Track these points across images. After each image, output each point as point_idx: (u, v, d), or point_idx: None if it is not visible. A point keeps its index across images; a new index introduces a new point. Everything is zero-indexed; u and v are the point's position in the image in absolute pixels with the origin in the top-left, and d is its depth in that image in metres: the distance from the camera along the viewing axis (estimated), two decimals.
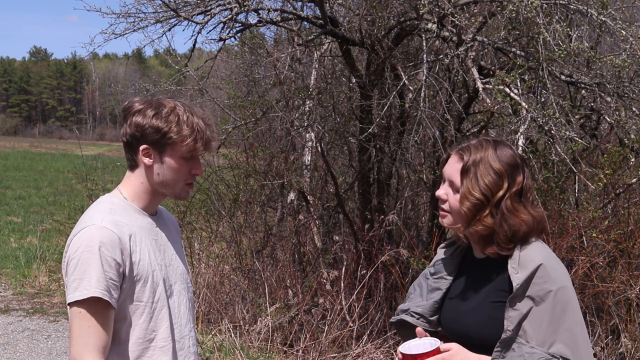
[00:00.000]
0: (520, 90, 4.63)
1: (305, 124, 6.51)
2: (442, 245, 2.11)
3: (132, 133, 1.87)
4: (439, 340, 1.85)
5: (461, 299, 1.95)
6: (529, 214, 1.84)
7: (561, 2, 4.55)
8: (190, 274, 2.19)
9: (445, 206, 1.91)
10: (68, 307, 1.81)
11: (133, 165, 1.93)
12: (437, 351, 1.81)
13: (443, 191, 1.91)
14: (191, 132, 1.86)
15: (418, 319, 2.00)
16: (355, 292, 5.37)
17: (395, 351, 5.08)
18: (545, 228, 1.95)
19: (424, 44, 4.96)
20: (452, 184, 1.89)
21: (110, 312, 1.80)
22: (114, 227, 1.82)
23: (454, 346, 1.84)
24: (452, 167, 1.89)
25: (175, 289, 1.98)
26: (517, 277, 1.79)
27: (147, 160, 1.89)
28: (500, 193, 1.83)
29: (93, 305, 1.76)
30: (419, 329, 1.90)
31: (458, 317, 1.93)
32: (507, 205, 1.83)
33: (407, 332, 2.04)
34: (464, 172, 1.85)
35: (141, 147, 1.87)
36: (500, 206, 1.83)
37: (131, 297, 1.85)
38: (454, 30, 4.80)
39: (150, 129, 1.85)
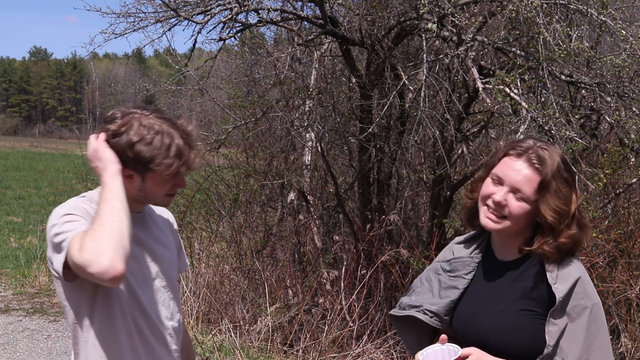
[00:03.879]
0: (520, 90, 4.63)
1: (305, 124, 6.51)
2: (457, 240, 2.04)
3: (114, 152, 1.82)
4: (459, 347, 1.78)
5: (482, 301, 1.88)
6: (587, 220, 1.86)
7: (561, 2, 4.55)
8: (181, 270, 2.20)
9: (505, 212, 1.82)
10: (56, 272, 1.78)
11: None
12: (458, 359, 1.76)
13: (502, 196, 1.82)
14: (173, 161, 1.82)
15: (432, 317, 1.93)
16: (355, 292, 5.37)
17: (396, 351, 5.08)
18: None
19: (424, 43, 4.96)
20: (516, 191, 1.81)
21: None
22: (88, 207, 1.84)
23: (474, 351, 1.80)
24: (521, 176, 1.81)
25: (155, 285, 1.97)
26: (559, 290, 1.75)
27: (127, 180, 1.85)
28: (574, 206, 1.81)
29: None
30: (443, 336, 1.82)
31: (477, 319, 1.87)
32: (578, 216, 1.82)
33: (408, 327, 1.97)
34: (544, 186, 1.79)
35: (123, 169, 1.83)
36: (575, 217, 1.81)
37: (99, 288, 1.85)
38: (454, 30, 4.80)
39: (131, 159, 1.81)
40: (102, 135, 1.83)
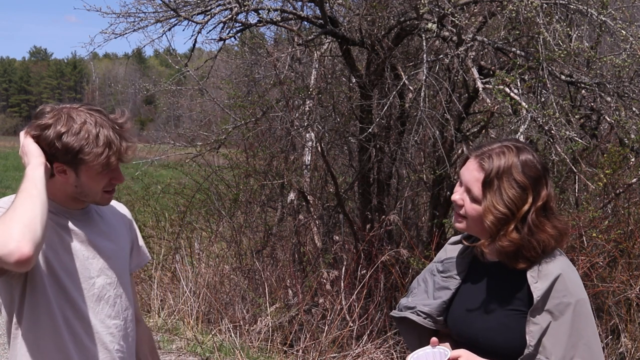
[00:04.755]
0: (520, 90, 4.63)
1: (305, 124, 6.51)
2: (451, 241, 2.05)
3: (42, 146, 1.81)
4: (449, 350, 1.80)
5: (472, 301, 1.90)
6: (554, 227, 1.78)
7: (561, 2, 4.55)
8: (125, 269, 2.08)
9: (462, 212, 1.85)
10: None
11: (51, 173, 1.86)
12: None
13: (459, 196, 1.85)
14: (102, 150, 1.80)
15: (425, 318, 1.95)
16: (355, 292, 5.37)
17: (396, 351, 5.08)
18: (568, 237, 1.91)
19: (424, 43, 4.96)
20: (469, 191, 1.82)
21: None
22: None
23: (463, 352, 1.81)
24: (471, 175, 1.81)
25: (98, 282, 1.94)
26: (537, 288, 1.74)
27: (61, 176, 1.84)
28: (526, 207, 1.76)
29: None
30: (434, 339, 1.84)
31: (468, 319, 1.89)
32: (533, 219, 1.76)
33: (408, 327, 2.01)
34: (486, 184, 1.77)
35: (55, 164, 1.82)
36: (527, 221, 1.76)
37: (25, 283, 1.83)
38: (454, 30, 4.80)
39: (60, 150, 1.79)
40: (29, 131, 1.83)
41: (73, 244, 1.91)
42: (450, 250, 2.01)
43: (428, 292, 1.99)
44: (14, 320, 1.87)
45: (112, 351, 1.97)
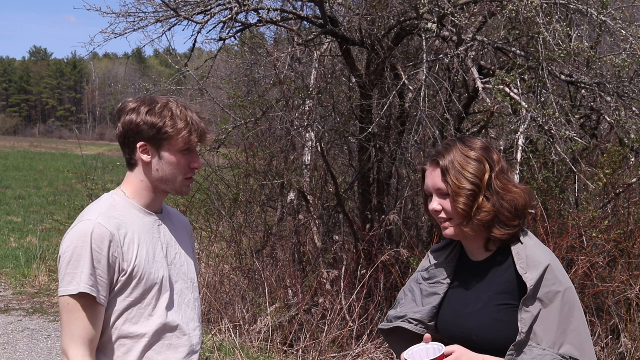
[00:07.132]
0: (520, 90, 4.63)
1: (305, 124, 6.51)
2: (433, 249, 2.11)
3: (127, 131, 1.90)
4: (443, 345, 1.83)
5: (462, 302, 1.93)
6: (516, 187, 1.88)
7: (561, 2, 4.56)
8: (197, 274, 2.19)
9: (443, 215, 1.90)
10: (59, 298, 1.84)
11: (132, 164, 1.95)
12: (442, 357, 1.79)
13: (436, 203, 1.90)
14: (186, 125, 1.90)
15: (417, 325, 1.99)
16: (355, 292, 5.37)
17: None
18: (532, 201, 1.98)
19: (424, 43, 4.96)
20: (440, 193, 1.90)
21: (98, 307, 1.82)
22: (107, 223, 1.84)
23: (457, 348, 1.83)
24: (433, 177, 1.91)
25: (177, 287, 1.99)
26: (529, 278, 1.80)
27: (145, 157, 1.91)
28: (487, 176, 1.85)
29: (81, 299, 1.80)
30: (427, 336, 1.88)
31: (459, 320, 1.92)
32: (497, 184, 1.86)
33: (398, 338, 2.03)
34: (445, 173, 1.87)
35: (138, 145, 1.90)
36: (492, 188, 1.85)
37: (124, 292, 1.87)
38: (454, 30, 4.80)
39: (145, 126, 1.88)
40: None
41: (163, 243, 1.98)
42: (435, 258, 2.06)
43: (416, 300, 2.02)
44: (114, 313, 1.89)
45: (196, 353, 2.03)
